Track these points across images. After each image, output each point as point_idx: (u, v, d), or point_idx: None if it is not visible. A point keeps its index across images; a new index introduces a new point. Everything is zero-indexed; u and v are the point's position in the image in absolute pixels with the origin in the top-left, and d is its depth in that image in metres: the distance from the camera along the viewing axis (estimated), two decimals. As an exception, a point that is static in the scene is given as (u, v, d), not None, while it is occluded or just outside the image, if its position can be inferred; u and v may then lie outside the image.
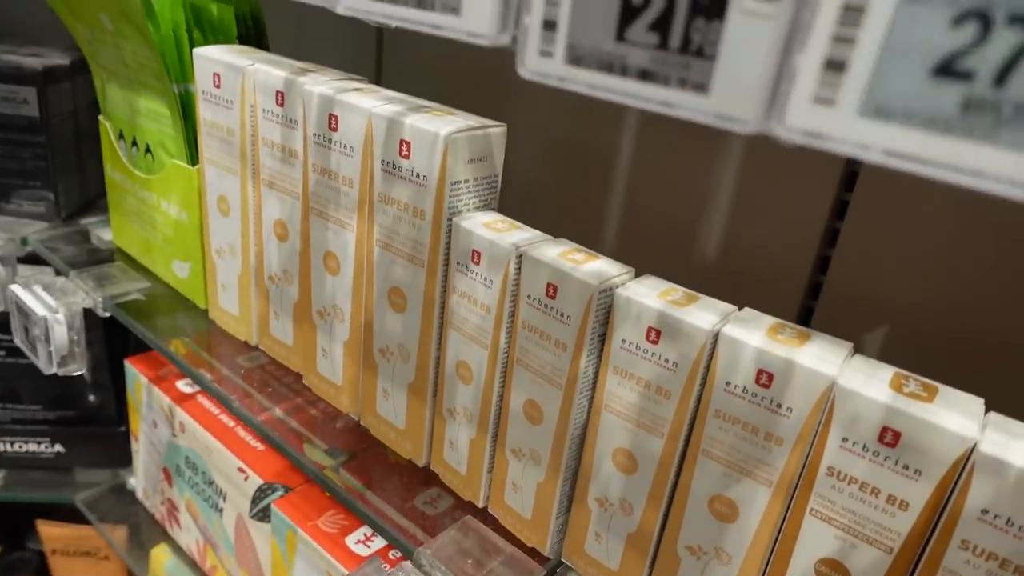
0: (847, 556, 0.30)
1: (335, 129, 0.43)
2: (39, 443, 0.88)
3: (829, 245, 0.54)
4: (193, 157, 0.58)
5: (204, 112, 0.53)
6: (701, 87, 0.17)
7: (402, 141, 0.40)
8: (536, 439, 0.39)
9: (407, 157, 0.40)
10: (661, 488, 0.35)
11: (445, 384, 0.43)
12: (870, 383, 0.28)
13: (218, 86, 0.51)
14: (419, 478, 0.49)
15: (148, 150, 0.62)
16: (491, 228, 0.39)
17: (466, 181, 0.40)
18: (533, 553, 0.41)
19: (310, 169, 0.46)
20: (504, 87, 0.68)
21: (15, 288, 0.61)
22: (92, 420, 0.88)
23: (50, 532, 0.93)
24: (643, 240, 0.63)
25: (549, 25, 0.20)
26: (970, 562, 0.26)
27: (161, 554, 0.85)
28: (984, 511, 0.26)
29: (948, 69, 0.14)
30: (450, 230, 0.40)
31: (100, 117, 0.67)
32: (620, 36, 0.18)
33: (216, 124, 0.52)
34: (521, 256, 0.37)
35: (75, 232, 0.76)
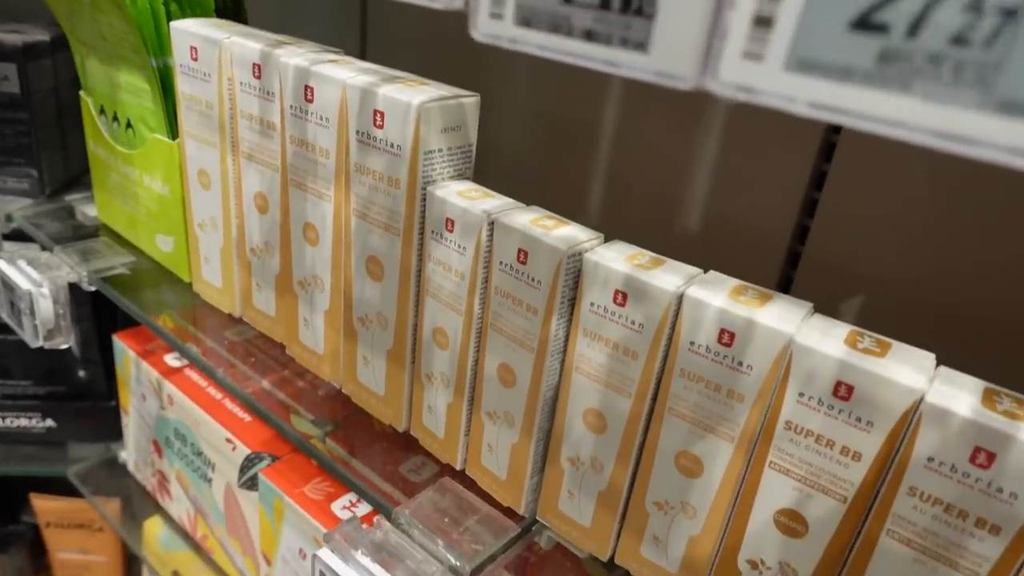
0: (804, 506, 0.31)
1: (311, 101, 0.44)
2: (30, 418, 0.89)
3: (808, 215, 0.55)
4: (173, 131, 0.58)
5: (183, 86, 0.53)
6: (641, 46, 0.18)
7: (376, 111, 0.40)
8: (510, 402, 0.40)
9: (381, 127, 0.40)
10: (629, 446, 0.36)
11: (423, 350, 0.44)
12: (826, 340, 0.29)
13: (195, 59, 0.51)
14: (402, 446, 0.50)
15: (129, 125, 0.62)
16: (464, 196, 0.39)
17: (440, 150, 0.40)
18: (509, 512, 0.43)
19: (288, 141, 0.46)
20: (488, 58, 0.68)
21: (0, 262, 0.61)
22: (82, 395, 0.89)
23: (44, 505, 0.94)
24: (626, 211, 0.64)
25: (499, -13, 0.20)
26: (917, 507, 0.28)
27: (154, 526, 0.87)
28: (930, 459, 0.27)
29: (865, 23, 0.15)
30: (424, 199, 0.40)
31: (81, 92, 0.67)
32: (566, -3, 0.19)
33: (195, 97, 0.52)
34: (493, 223, 0.38)
35: (60, 208, 0.76)
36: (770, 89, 0.16)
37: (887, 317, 0.52)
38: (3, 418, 0.88)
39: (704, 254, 0.60)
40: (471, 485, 0.45)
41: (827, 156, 0.53)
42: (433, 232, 0.40)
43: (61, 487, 0.92)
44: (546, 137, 0.67)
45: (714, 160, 0.58)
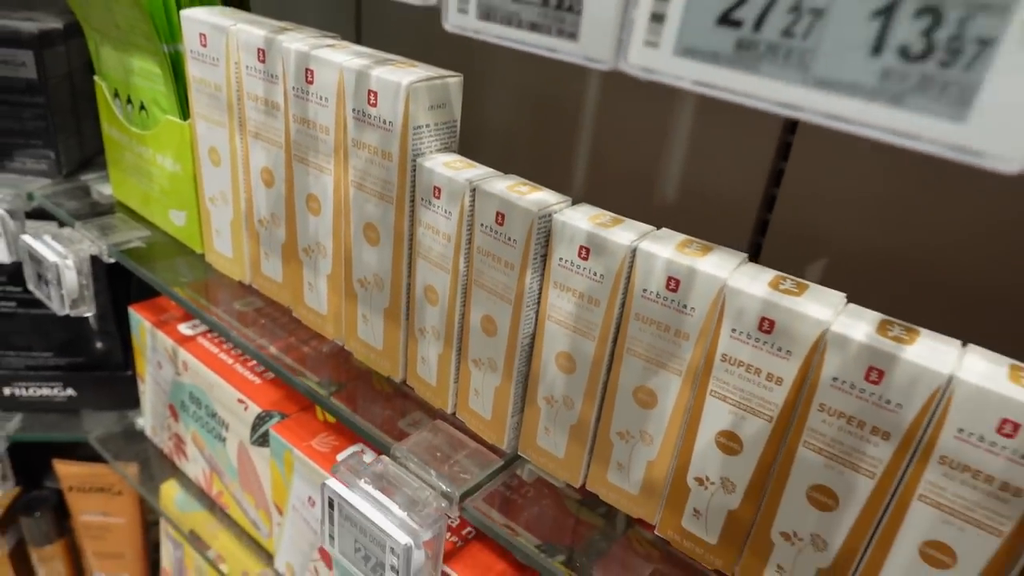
0: (739, 427, 0.36)
1: (311, 82, 0.49)
2: (52, 387, 0.95)
3: (775, 185, 0.60)
4: (184, 112, 0.63)
5: (193, 70, 0.58)
6: (573, 35, 0.23)
7: (370, 91, 0.45)
8: (493, 349, 0.45)
9: (375, 106, 0.45)
10: (595, 384, 0.41)
11: (416, 307, 0.49)
12: (753, 283, 0.34)
13: (204, 45, 0.56)
14: (401, 404, 0.55)
15: (142, 107, 0.66)
16: (449, 167, 0.44)
17: (427, 126, 0.45)
18: (494, 449, 0.48)
19: (291, 119, 0.51)
20: (477, 42, 0.72)
21: (27, 238, 0.66)
22: (100, 365, 0.94)
23: (66, 470, 1.00)
24: (608, 184, 0.69)
25: (463, -11, 0.25)
26: (826, 421, 0.33)
27: (170, 489, 0.92)
28: (835, 379, 0.32)
29: (727, 19, 0.20)
30: (415, 170, 0.45)
31: (95, 77, 0.72)
32: (515, -3, 0.24)
33: (204, 81, 0.57)
34: (475, 190, 0.43)
35: (76, 188, 0.81)
36: (665, 70, 0.21)
37: (848, 278, 0.57)
38: (27, 388, 0.94)
39: (679, 224, 0.65)
40: (461, 427, 0.50)
41: (792, 129, 0.57)
42: (423, 199, 0.45)
43: (81, 453, 0.98)
44: (532, 115, 0.72)
45: (687, 135, 0.63)
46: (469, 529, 0.58)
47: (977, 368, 0.29)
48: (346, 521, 0.44)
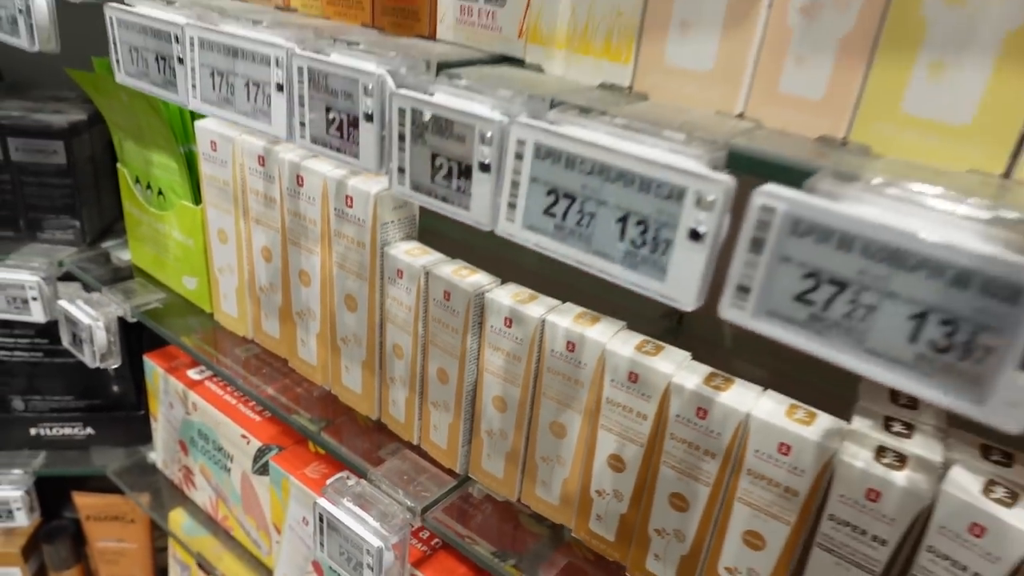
0: (622, 451, 0.49)
1: (302, 185, 0.62)
2: (72, 427, 1.06)
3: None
4: (196, 198, 0.76)
5: (205, 168, 0.71)
6: (467, 206, 0.36)
7: (347, 196, 0.58)
8: (446, 394, 0.58)
9: (351, 207, 0.58)
10: (522, 420, 0.54)
11: (387, 361, 0.62)
12: (624, 346, 0.47)
13: (215, 150, 0.69)
14: (377, 437, 0.67)
15: (160, 192, 0.80)
16: (409, 254, 0.57)
17: (392, 222, 0.58)
18: (449, 471, 0.61)
19: (285, 212, 0.65)
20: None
21: (63, 303, 0.79)
22: (116, 406, 1.06)
23: (84, 501, 1.11)
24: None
25: (401, 170, 0.38)
26: (676, 446, 0.46)
27: (178, 517, 1.04)
28: (677, 415, 0.45)
29: (801, 298, 0.31)
30: (383, 255, 0.59)
31: (118, 164, 0.85)
32: (432, 179, 0.37)
33: (215, 177, 0.71)
34: (427, 273, 0.56)
35: (98, 254, 0.94)
36: (516, 235, 0.34)
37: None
38: (50, 428, 1.06)
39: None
40: (424, 455, 0.63)
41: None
42: (389, 278, 0.59)
43: (96, 486, 1.09)
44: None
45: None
46: (437, 540, 0.70)
47: (766, 407, 0.43)
48: (333, 531, 0.56)
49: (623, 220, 0.30)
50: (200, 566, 1.00)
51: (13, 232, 0.93)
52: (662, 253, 0.29)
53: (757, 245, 0.27)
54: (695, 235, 0.28)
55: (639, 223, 0.30)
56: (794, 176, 0.29)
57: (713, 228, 0.28)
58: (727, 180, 0.27)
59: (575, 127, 0.32)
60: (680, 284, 0.29)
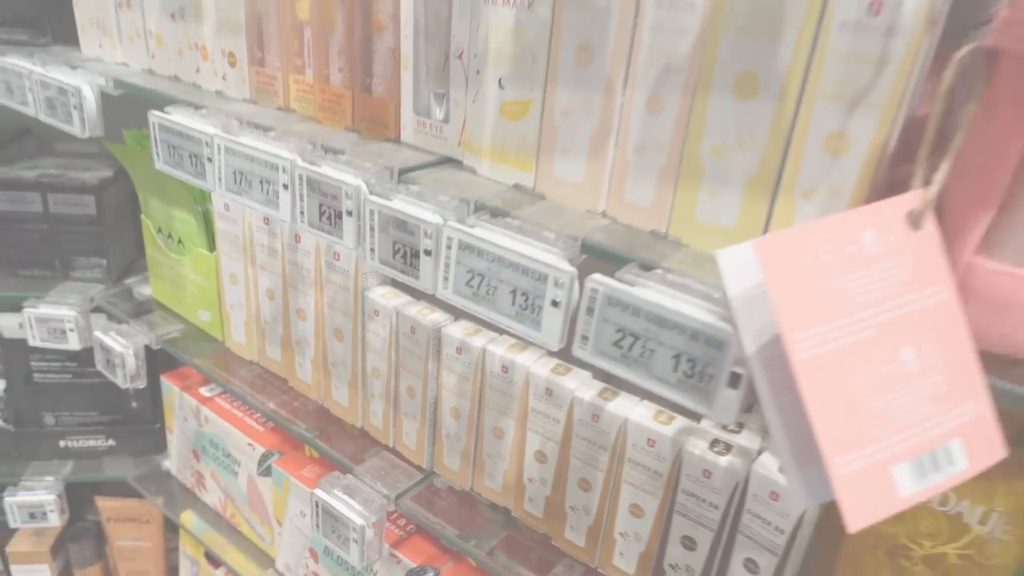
0: (544, 448, 0.65)
1: (299, 241, 0.78)
2: (96, 439, 1.22)
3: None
4: (211, 246, 0.92)
5: (220, 224, 0.87)
6: (417, 277, 0.52)
7: (335, 252, 0.75)
8: (414, 407, 0.74)
9: (338, 260, 0.75)
10: (471, 426, 0.70)
11: (367, 380, 0.78)
12: (542, 368, 0.64)
13: (228, 210, 0.85)
14: (362, 442, 0.83)
15: (180, 240, 0.95)
16: (384, 297, 0.74)
17: (370, 272, 0.75)
18: (418, 467, 0.77)
19: (286, 262, 0.81)
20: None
21: (98, 333, 0.94)
22: (135, 420, 1.21)
23: (105, 505, 1.26)
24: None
25: (372, 250, 0.54)
26: (580, 443, 0.62)
27: (188, 517, 1.19)
28: (580, 419, 0.61)
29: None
30: (364, 298, 0.75)
31: (142, 216, 1.01)
32: (393, 257, 0.53)
33: (227, 231, 0.87)
34: (398, 313, 0.72)
35: (122, 290, 1.10)
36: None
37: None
38: (77, 440, 1.21)
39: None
40: (398, 455, 0.79)
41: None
42: (369, 316, 0.75)
43: (115, 490, 1.24)
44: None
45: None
46: (412, 525, 0.86)
47: (639, 413, 0.59)
48: (327, 515, 0.72)
49: (514, 291, 0.47)
50: (208, 557, 1.15)
51: (50, 272, 1.08)
52: (536, 314, 0.46)
53: (590, 311, 0.43)
54: (554, 303, 0.45)
55: (523, 294, 0.46)
56: (622, 260, 0.46)
57: (565, 299, 0.44)
58: (572, 270, 0.44)
59: (484, 229, 0.48)
60: (548, 333, 0.46)
